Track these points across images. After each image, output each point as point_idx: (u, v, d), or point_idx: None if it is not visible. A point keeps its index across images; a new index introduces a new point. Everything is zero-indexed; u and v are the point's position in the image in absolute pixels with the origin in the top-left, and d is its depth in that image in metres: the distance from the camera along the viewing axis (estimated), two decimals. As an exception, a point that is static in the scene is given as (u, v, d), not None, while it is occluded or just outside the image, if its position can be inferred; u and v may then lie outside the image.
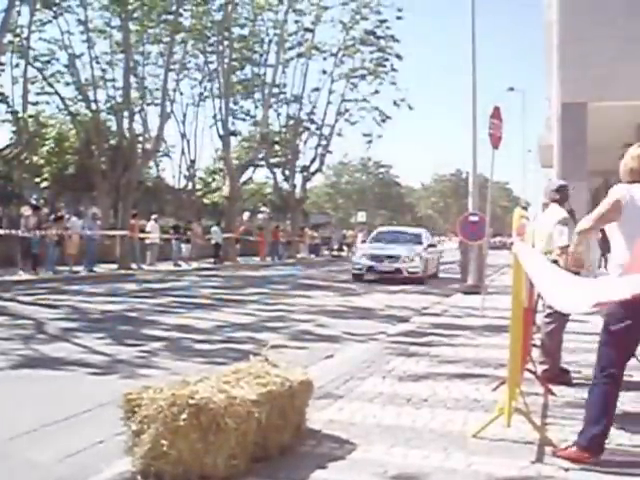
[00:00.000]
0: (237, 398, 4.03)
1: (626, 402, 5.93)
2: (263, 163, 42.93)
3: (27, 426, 5.25)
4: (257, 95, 40.62)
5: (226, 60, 35.56)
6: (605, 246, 15.55)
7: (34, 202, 23.98)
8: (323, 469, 4.17)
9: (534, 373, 6.47)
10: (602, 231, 4.87)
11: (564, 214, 6.71)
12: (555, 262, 6.23)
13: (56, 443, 4.91)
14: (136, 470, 3.89)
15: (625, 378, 6.88)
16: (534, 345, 7.09)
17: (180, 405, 3.85)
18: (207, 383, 4.22)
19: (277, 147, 44.29)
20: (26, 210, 21.78)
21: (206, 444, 3.85)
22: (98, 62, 31.79)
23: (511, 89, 52.84)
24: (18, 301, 14.37)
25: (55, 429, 5.28)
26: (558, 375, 6.63)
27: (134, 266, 25.49)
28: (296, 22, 41.43)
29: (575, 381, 6.65)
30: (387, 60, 43.09)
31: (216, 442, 3.87)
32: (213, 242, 31.92)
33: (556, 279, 4.11)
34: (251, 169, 40.70)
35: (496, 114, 13.09)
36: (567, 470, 4.22)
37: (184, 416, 3.81)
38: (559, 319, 6.64)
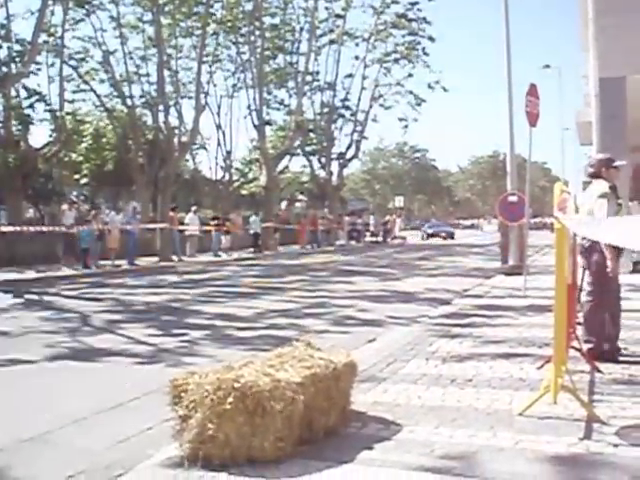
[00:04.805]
0: (282, 381, 4.06)
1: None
2: (299, 151, 43.07)
3: (76, 415, 5.34)
4: (290, 84, 40.71)
5: (258, 50, 35.62)
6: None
7: (73, 198, 24.30)
8: (370, 450, 4.16)
9: (580, 350, 6.39)
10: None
11: (605, 188, 6.58)
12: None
13: (105, 430, 4.99)
14: (184, 454, 3.94)
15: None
16: (579, 323, 7.00)
17: (226, 389, 3.89)
18: (252, 367, 4.24)
19: (312, 135, 44.36)
20: (64, 206, 22.19)
21: (252, 427, 3.89)
22: (132, 58, 32.23)
23: (547, 66, 51.94)
24: (63, 295, 14.61)
25: (104, 417, 5.38)
26: (604, 352, 6.53)
27: (175, 258, 25.77)
28: (326, 9, 41.50)
29: (621, 358, 6.56)
30: (419, 43, 42.82)
31: (262, 425, 3.90)
32: (252, 232, 32.10)
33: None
34: (287, 158, 40.87)
35: (532, 91, 12.88)
36: (616, 446, 4.16)
37: (230, 400, 3.85)
38: (599, 296, 6.55)
